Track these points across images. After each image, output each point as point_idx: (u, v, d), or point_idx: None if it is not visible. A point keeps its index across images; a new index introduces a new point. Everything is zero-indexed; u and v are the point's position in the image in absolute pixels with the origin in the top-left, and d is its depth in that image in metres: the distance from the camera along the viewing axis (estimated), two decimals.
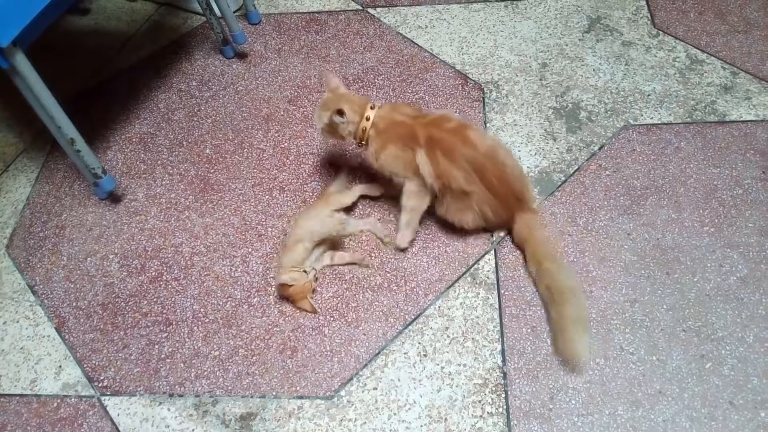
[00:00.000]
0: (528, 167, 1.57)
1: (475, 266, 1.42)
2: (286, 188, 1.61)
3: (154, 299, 1.44)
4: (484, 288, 1.39)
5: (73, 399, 1.32)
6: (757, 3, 1.89)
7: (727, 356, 1.25)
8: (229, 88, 1.85)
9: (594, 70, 1.77)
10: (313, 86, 1.83)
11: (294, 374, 1.30)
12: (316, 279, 1.40)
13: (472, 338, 1.32)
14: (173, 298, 1.44)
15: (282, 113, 1.77)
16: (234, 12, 1.94)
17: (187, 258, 1.51)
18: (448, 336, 1.33)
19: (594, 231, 1.45)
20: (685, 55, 1.78)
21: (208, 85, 1.87)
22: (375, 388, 1.27)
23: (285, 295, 1.38)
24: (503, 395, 1.24)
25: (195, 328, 1.39)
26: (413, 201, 1.40)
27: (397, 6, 2.01)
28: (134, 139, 1.76)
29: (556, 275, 1.31)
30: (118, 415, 1.28)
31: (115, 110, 1.84)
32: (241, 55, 1.93)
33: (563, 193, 1.52)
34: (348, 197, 1.50)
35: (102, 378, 1.34)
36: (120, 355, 1.37)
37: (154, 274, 1.49)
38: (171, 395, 1.30)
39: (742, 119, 1.61)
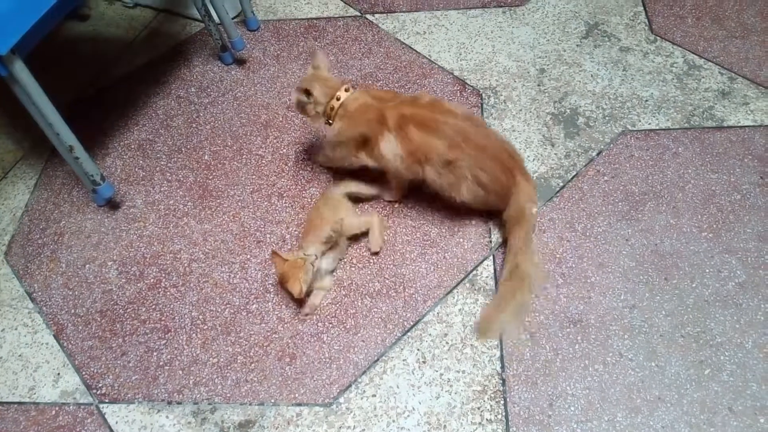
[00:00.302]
0: None
1: (474, 272, 1.42)
2: (284, 194, 1.61)
3: (153, 306, 1.44)
4: (483, 294, 1.38)
5: (71, 407, 1.32)
6: (755, 8, 1.89)
7: (726, 362, 1.25)
8: (228, 94, 1.86)
9: (592, 75, 1.77)
10: None
11: (293, 381, 1.30)
12: (315, 270, 1.37)
13: (471, 345, 1.32)
14: (172, 305, 1.44)
15: (281, 119, 1.77)
16: (232, 18, 1.95)
17: (186, 265, 1.51)
18: (446, 342, 1.33)
19: (592, 237, 1.45)
20: (683, 60, 1.78)
21: (207, 92, 1.87)
22: (374, 395, 1.27)
23: (278, 271, 1.36)
24: (502, 402, 1.24)
25: (193, 335, 1.39)
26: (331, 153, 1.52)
27: (395, 12, 2.02)
28: (133, 146, 1.77)
29: (524, 264, 1.34)
30: (117, 422, 1.28)
31: (114, 117, 1.84)
32: (240, 62, 1.94)
33: (561, 199, 1.52)
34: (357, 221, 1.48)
35: (100, 385, 1.34)
36: (118, 362, 1.37)
37: (152, 280, 1.49)
38: (169, 403, 1.30)
39: (739, 124, 1.62)
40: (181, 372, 1.34)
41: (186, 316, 1.42)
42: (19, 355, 1.40)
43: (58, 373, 1.37)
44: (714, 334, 1.29)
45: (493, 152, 1.36)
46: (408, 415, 1.24)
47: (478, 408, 1.23)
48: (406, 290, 1.41)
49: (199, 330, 1.40)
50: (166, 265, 1.51)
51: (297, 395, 1.28)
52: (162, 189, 1.66)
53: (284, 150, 1.70)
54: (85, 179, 1.54)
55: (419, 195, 1.54)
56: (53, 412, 1.31)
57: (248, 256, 1.50)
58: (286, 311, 1.40)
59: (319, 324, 1.38)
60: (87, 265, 1.53)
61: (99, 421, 1.29)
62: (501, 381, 1.26)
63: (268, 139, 1.73)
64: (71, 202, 1.66)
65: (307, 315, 1.39)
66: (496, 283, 1.39)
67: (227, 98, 1.85)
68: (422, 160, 1.36)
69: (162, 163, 1.72)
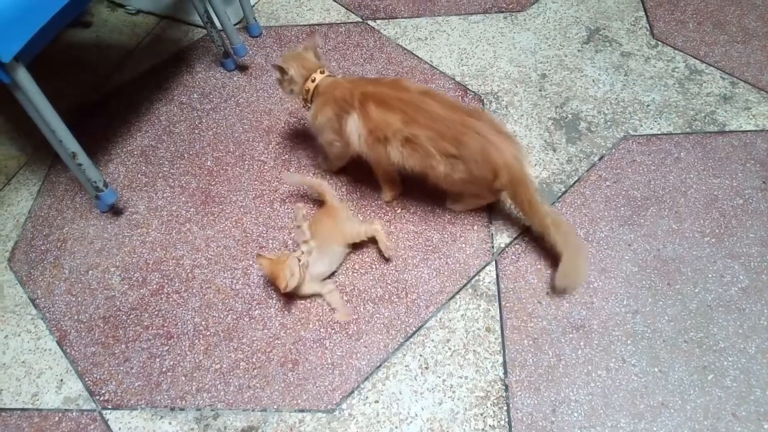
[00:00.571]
0: None
1: (476, 278, 1.42)
2: (287, 200, 1.61)
3: (156, 312, 1.45)
4: (485, 300, 1.38)
5: (74, 413, 1.32)
6: (756, 13, 1.90)
7: (730, 367, 1.24)
8: (231, 100, 1.86)
9: (593, 80, 1.78)
10: None
11: (295, 387, 1.30)
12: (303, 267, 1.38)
13: (474, 350, 1.32)
14: (174, 311, 1.44)
15: (283, 125, 1.78)
16: (235, 25, 1.96)
17: (188, 270, 1.51)
18: (449, 348, 1.33)
19: (595, 242, 1.45)
20: (684, 65, 1.78)
21: (210, 98, 1.88)
22: (376, 401, 1.27)
23: (266, 271, 1.40)
24: (505, 408, 1.24)
25: (196, 341, 1.39)
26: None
27: (396, 18, 2.02)
28: (136, 152, 1.77)
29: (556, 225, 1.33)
30: (120, 429, 1.28)
31: (117, 123, 1.85)
32: (242, 68, 1.94)
33: (564, 204, 1.52)
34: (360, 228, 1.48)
35: (103, 392, 1.34)
36: (121, 368, 1.37)
37: (155, 287, 1.49)
38: (172, 409, 1.30)
39: (741, 129, 1.62)
40: (183, 378, 1.34)
41: (189, 322, 1.42)
42: (23, 362, 1.41)
43: (61, 380, 1.37)
44: (717, 339, 1.28)
45: (454, 119, 1.31)
46: (411, 422, 1.24)
47: (481, 414, 1.23)
48: (409, 296, 1.41)
49: (201, 336, 1.40)
50: (168, 271, 1.51)
51: (299, 401, 1.28)
52: (165, 195, 1.66)
53: (286, 156, 1.70)
54: (88, 185, 1.54)
55: (421, 200, 1.54)
56: (56, 419, 1.31)
57: (251, 262, 1.50)
58: (288, 317, 1.40)
59: (322, 330, 1.38)
60: (90, 272, 1.53)
61: (102, 427, 1.29)
62: (504, 387, 1.26)
63: (270, 144, 1.74)
64: (74, 209, 1.67)
65: (348, 316, 1.39)
66: (499, 288, 1.39)
67: (230, 104, 1.85)
68: (382, 138, 1.36)
69: (165, 169, 1.72)
